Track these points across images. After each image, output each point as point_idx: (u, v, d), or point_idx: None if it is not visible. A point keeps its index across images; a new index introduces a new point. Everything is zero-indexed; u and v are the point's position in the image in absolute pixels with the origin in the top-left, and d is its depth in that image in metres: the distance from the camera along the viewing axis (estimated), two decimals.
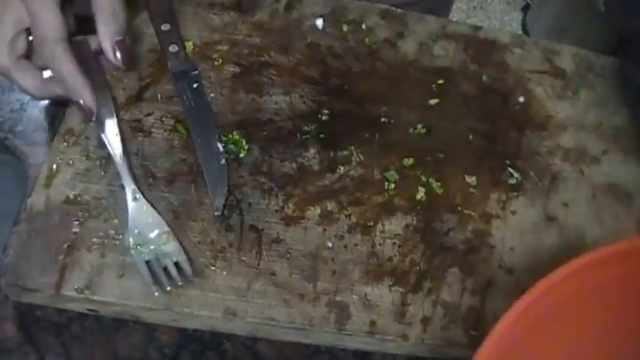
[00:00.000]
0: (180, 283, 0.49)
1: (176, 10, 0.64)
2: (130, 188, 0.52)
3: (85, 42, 0.56)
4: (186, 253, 0.51)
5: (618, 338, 0.46)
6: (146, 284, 0.49)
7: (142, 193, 0.52)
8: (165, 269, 0.49)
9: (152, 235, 0.51)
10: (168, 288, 0.49)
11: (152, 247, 0.50)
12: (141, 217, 0.51)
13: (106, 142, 0.54)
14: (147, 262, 0.50)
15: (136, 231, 0.51)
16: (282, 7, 0.66)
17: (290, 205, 0.54)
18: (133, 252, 0.50)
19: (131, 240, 0.50)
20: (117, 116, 0.56)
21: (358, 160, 0.57)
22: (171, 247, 0.51)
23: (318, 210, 0.54)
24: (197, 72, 0.60)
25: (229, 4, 0.65)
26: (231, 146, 0.56)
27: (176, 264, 0.50)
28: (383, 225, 0.54)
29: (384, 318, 0.50)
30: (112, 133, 0.54)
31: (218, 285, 0.50)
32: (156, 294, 0.49)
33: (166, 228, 0.51)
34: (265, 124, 0.58)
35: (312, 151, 0.57)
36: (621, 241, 0.42)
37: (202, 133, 0.56)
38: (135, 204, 0.52)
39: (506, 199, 0.57)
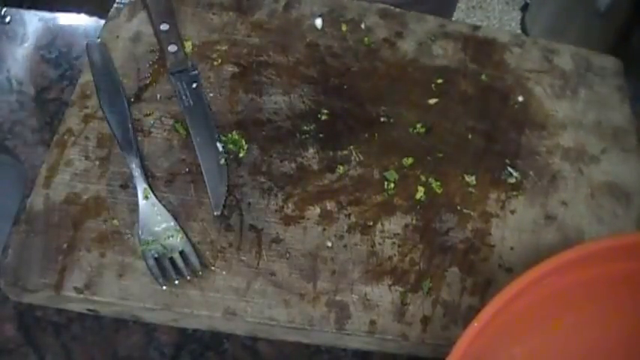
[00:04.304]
0: (188, 277, 0.49)
1: (175, 10, 0.64)
2: (141, 187, 0.52)
3: (103, 44, 0.59)
4: (193, 247, 0.51)
5: (590, 341, 0.46)
6: (154, 280, 0.49)
7: (153, 192, 0.52)
8: (173, 264, 0.50)
9: (161, 231, 0.51)
10: (177, 282, 0.49)
11: (161, 243, 0.51)
12: (151, 215, 0.51)
13: (118, 141, 0.54)
14: (155, 259, 0.50)
15: (145, 229, 0.51)
16: (281, 7, 0.66)
17: (289, 205, 0.54)
18: (142, 249, 0.50)
19: (141, 238, 0.50)
20: (130, 115, 0.56)
21: (358, 159, 0.57)
22: (179, 241, 0.51)
23: (318, 210, 0.54)
24: (196, 72, 0.60)
25: (228, 4, 0.65)
26: (231, 146, 0.56)
27: (184, 259, 0.50)
28: (382, 225, 0.54)
29: (384, 318, 0.50)
30: (124, 132, 0.55)
31: (218, 285, 0.50)
32: (164, 288, 0.49)
33: (174, 224, 0.52)
34: (264, 124, 0.58)
35: (311, 150, 0.57)
36: (586, 245, 0.43)
37: (201, 133, 0.56)
38: (145, 202, 0.52)
39: (506, 199, 0.57)
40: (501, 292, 0.40)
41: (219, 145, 0.56)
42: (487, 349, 0.41)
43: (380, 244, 0.53)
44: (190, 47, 0.62)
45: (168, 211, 0.52)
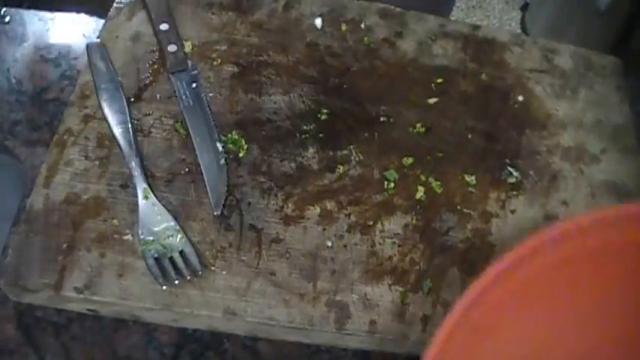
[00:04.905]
0: (188, 277, 0.49)
1: (174, 10, 0.64)
2: (141, 187, 0.52)
3: (102, 44, 0.59)
4: (193, 247, 0.51)
5: (568, 328, 0.46)
6: (154, 280, 0.49)
7: (153, 192, 0.52)
8: (173, 264, 0.50)
9: (161, 231, 0.51)
10: (177, 282, 0.49)
11: (160, 243, 0.51)
12: (151, 215, 0.51)
13: (118, 141, 0.54)
14: (155, 259, 0.50)
15: (145, 229, 0.51)
16: (281, 7, 0.66)
17: (289, 205, 0.54)
18: (142, 249, 0.50)
19: (141, 237, 0.50)
20: (129, 114, 0.56)
21: (357, 159, 0.57)
22: (178, 241, 0.51)
23: (318, 209, 0.54)
24: (196, 72, 0.60)
25: (228, 4, 0.65)
26: (231, 146, 0.56)
27: (183, 259, 0.50)
28: (382, 224, 0.54)
29: (384, 317, 0.50)
30: (124, 131, 0.55)
31: (218, 285, 0.50)
32: (163, 288, 0.49)
33: (174, 223, 0.52)
34: (264, 124, 0.58)
35: (311, 150, 0.57)
36: (559, 224, 0.42)
37: (201, 133, 0.56)
38: (145, 202, 0.52)
39: (506, 198, 0.57)
40: (480, 276, 0.38)
41: (219, 145, 0.56)
42: (476, 330, 0.40)
43: (380, 243, 0.53)
44: (190, 47, 0.62)
45: (168, 211, 0.52)
